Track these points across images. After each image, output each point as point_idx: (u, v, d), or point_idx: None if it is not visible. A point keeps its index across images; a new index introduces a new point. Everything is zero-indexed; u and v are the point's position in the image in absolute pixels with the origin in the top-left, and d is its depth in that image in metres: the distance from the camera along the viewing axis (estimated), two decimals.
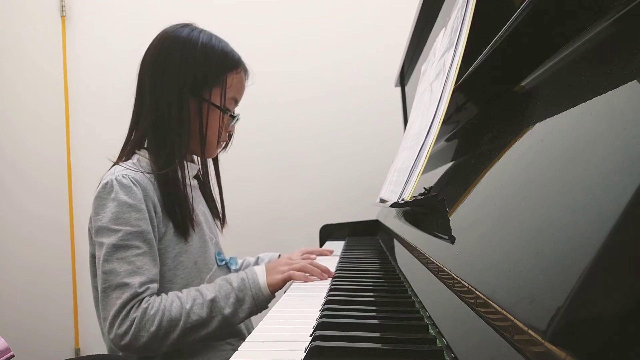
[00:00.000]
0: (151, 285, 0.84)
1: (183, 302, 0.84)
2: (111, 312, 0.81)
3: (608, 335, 0.19)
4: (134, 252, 0.84)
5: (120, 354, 0.91)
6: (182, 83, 0.93)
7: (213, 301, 0.85)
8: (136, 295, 0.81)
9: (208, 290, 0.87)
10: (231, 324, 0.88)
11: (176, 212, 0.93)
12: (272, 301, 0.88)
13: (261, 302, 0.90)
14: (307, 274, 0.92)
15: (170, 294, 0.86)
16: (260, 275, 0.91)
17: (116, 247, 0.83)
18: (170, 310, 0.82)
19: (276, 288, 0.91)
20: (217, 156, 1.09)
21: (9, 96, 2.25)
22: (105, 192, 0.87)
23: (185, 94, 0.93)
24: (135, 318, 0.80)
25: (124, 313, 0.80)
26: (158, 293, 0.88)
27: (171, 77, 0.93)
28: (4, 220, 2.22)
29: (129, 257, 0.83)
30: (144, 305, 0.81)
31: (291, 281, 0.93)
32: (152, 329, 0.80)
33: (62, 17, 2.23)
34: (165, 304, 0.83)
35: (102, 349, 0.97)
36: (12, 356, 0.63)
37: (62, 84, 2.23)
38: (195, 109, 0.95)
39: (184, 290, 0.87)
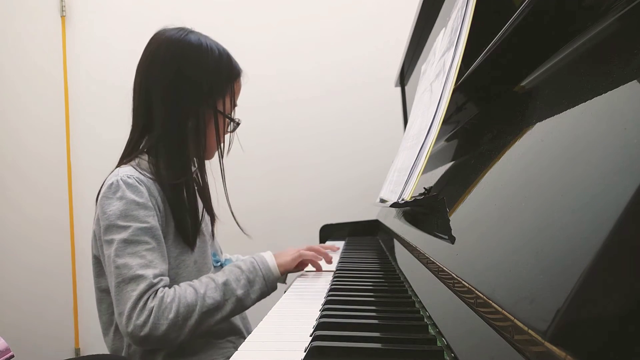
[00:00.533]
0: (164, 278, 0.85)
1: (197, 288, 0.86)
2: (128, 304, 0.81)
3: (608, 335, 0.19)
4: (144, 247, 0.85)
5: (126, 351, 0.91)
6: (199, 93, 0.95)
7: (225, 284, 0.88)
8: (152, 285, 0.82)
9: (218, 276, 0.90)
10: (244, 306, 0.90)
11: (187, 225, 0.96)
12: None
13: (271, 282, 0.93)
14: (316, 255, 0.98)
15: (182, 284, 0.87)
16: (269, 258, 0.95)
17: (127, 242, 0.84)
18: (186, 297, 0.83)
19: (287, 268, 0.95)
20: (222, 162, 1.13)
21: (9, 96, 2.25)
22: (110, 191, 0.88)
23: (202, 107, 0.95)
24: (153, 307, 0.81)
25: (141, 304, 0.81)
26: None
27: (186, 85, 0.94)
28: (4, 220, 2.22)
29: (140, 252, 0.84)
30: (159, 294, 0.82)
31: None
32: (171, 315, 0.81)
33: (62, 17, 2.23)
34: (180, 292, 0.84)
35: (102, 349, 0.97)
36: (12, 356, 0.63)
37: (62, 84, 2.23)
38: (208, 120, 0.97)
39: (195, 280, 0.89)
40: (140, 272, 0.82)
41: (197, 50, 0.96)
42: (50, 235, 2.21)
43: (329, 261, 1.04)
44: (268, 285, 0.92)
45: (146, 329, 0.80)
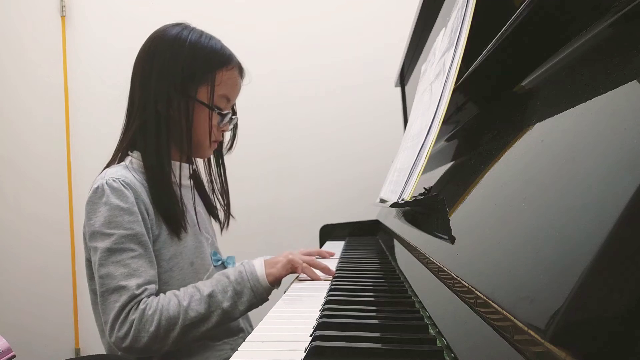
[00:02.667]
0: (148, 287, 0.84)
1: (180, 299, 0.84)
2: (111, 315, 0.81)
3: (608, 335, 0.19)
4: (129, 255, 0.84)
5: (119, 353, 0.91)
6: (170, 82, 0.92)
7: (210, 296, 0.85)
8: (134, 297, 0.81)
9: (205, 286, 0.86)
10: (232, 318, 0.87)
11: (168, 212, 0.93)
12: (272, 301, 0.87)
13: (260, 294, 0.88)
14: (307, 267, 0.92)
15: (168, 293, 0.85)
16: (259, 267, 0.90)
17: (111, 251, 0.83)
18: (168, 309, 0.82)
19: (276, 277, 0.90)
20: (222, 158, 1.09)
21: (9, 96, 2.25)
22: (96, 196, 0.87)
23: (172, 92, 0.92)
24: (134, 320, 0.80)
25: (122, 316, 0.81)
26: (156, 295, 0.88)
27: (159, 76, 0.93)
28: (4, 220, 2.22)
29: (124, 260, 0.83)
30: (142, 306, 0.81)
31: (292, 281, 0.93)
32: (152, 329, 0.80)
33: (62, 17, 2.23)
34: (163, 303, 0.82)
35: (102, 349, 0.97)
36: (14, 356, 0.63)
37: (62, 84, 2.23)
38: (183, 108, 0.94)
39: (182, 289, 0.87)
40: (123, 282, 0.82)
41: (172, 39, 0.94)
42: (50, 235, 2.21)
43: (327, 271, 0.94)
44: (257, 296, 0.88)
45: (127, 342, 0.80)
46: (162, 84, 0.92)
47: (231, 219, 1.12)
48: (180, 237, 0.94)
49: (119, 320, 0.81)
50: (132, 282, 0.82)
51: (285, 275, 0.92)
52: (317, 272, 0.93)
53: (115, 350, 0.92)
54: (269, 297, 0.91)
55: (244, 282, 0.87)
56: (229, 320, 0.88)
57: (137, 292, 0.82)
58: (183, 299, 0.84)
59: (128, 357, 0.90)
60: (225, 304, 0.85)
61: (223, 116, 0.97)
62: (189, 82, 0.94)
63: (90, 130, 2.23)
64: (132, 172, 0.91)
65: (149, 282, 0.84)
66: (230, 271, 0.90)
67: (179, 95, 0.93)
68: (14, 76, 2.25)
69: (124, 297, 0.81)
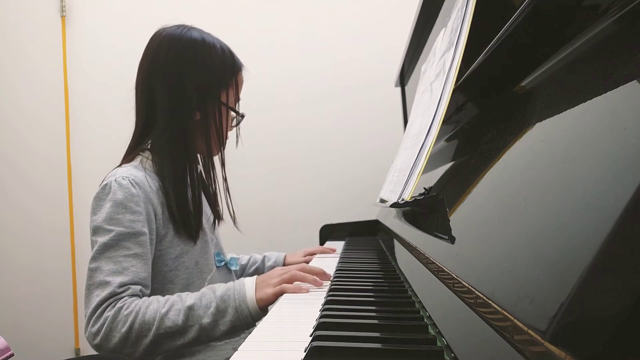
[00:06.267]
0: (133, 286, 0.82)
1: (160, 305, 0.80)
2: (89, 309, 0.80)
3: (608, 335, 0.19)
4: (122, 253, 0.83)
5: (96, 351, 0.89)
6: (202, 86, 0.95)
7: (190, 308, 0.80)
8: (114, 294, 0.79)
9: (190, 297, 0.82)
10: (212, 337, 0.81)
11: (190, 221, 0.94)
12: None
13: (245, 316, 0.81)
14: (300, 285, 0.83)
15: (152, 297, 0.83)
16: (249, 287, 0.83)
17: (106, 246, 0.83)
18: (145, 313, 0.78)
19: (267, 303, 0.82)
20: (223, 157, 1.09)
21: (9, 96, 2.25)
22: (103, 193, 0.87)
23: (204, 97, 0.95)
24: (108, 317, 0.78)
25: (99, 311, 0.79)
26: (158, 293, 0.87)
27: (191, 81, 0.94)
28: (4, 220, 2.22)
29: (116, 257, 0.82)
30: (119, 305, 0.79)
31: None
32: (123, 329, 0.77)
33: (62, 17, 2.23)
34: (141, 305, 0.79)
35: None
36: (12, 355, 0.63)
37: (62, 84, 2.23)
38: (211, 112, 0.97)
39: (168, 296, 0.84)
40: (108, 278, 0.80)
41: (201, 46, 0.96)
42: (50, 235, 2.21)
43: (318, 285, 0.84)
44: (241, 318, 0.80)
45: (98, 339, 0.78)
46: (193, 89, 0.94)
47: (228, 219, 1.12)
48: (197, 242, 0.96)
49: (95, 316, 0.79)
50: (116, 279, 0.80)
51: (275, 300, 0.82)
52: (308, 281, 0.84)
53: (119, 350, 0.92)
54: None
55: (229, 300, 0.81)
56: (208, 340, 0.82)
57: (119, 290, 0.80)
58: (162, 307, 0.80)
59: (128, 358, 0.90)
60: (205, 320, 0.79)
61: (242, 117, 1.02)
62: (219, 87, 0.97)
63: (90, 130, 2.23)
64: (144, 172, 0.92)
65: (135, 283, 0.82)
66: (220, 286, 0.85)
67: (210, 99, 0.96)
68: (14, 76, 2.25)
69: (104, 293, 0.79)
